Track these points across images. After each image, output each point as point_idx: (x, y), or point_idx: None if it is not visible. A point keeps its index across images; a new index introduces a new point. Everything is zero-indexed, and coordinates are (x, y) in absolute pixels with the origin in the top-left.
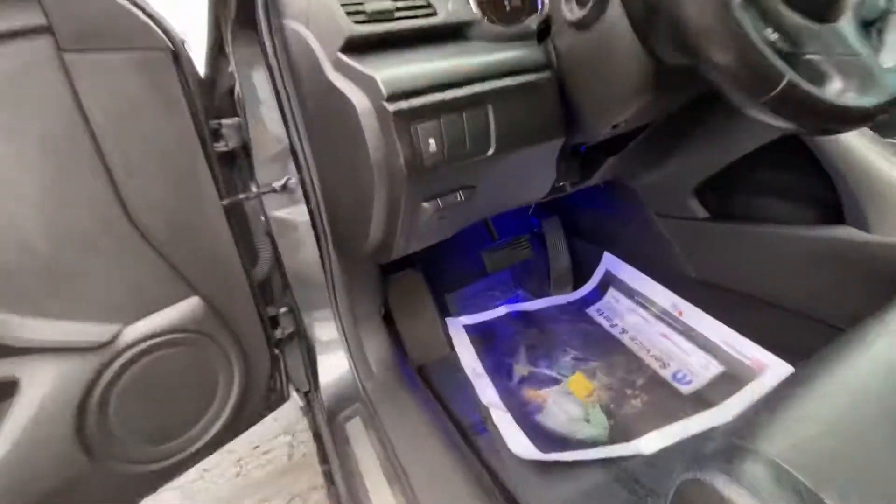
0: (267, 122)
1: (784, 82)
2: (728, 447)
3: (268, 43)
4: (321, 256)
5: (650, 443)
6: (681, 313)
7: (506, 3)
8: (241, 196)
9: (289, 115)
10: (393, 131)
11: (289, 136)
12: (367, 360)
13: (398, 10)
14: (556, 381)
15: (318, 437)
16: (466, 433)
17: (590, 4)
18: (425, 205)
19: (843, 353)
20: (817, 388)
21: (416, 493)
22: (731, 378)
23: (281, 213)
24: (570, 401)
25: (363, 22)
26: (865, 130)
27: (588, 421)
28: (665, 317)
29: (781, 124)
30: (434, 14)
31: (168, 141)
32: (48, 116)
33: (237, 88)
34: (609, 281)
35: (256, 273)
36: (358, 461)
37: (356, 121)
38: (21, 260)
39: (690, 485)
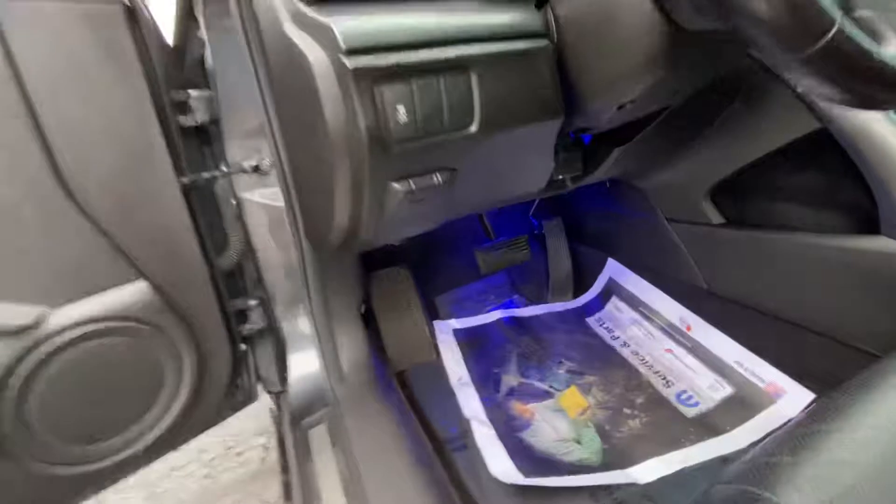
0: (240, 94)
1: (834, 30)
2: (740, 497)
3: (233, 2)
4: (295, 245)
5: (647, 471)
6: (689, 328)
7: None
8: (205, 175)
9: (260, 86)
10: (353, 93)
11: (262, 101)
12: (339, 360)
13: None
14: (547, 395)
15: (281, 442)
16: (443, 449)
17: None
18: (395, 185)
19: (880, 384)
20: (850, 425)
21: None
22: (743, 402)
23: (254, 197)
24: (561, 418)
25: None
26: None
27: (579, 442)
28: (671, 331)
29: (824, 90)
30: None
31: (117, 107)
32: None
33: (208, 57)
34: (612, 289)
35: (224, 261)
36: (317, 476)
37: (312, 80)
38: None
39: None
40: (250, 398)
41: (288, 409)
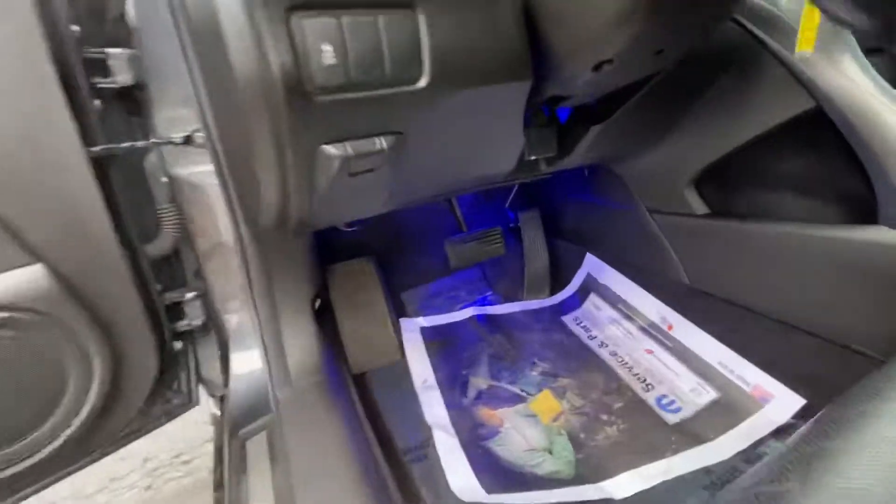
0: (170, 55)
1: None
2: None
3: None
4: (232, 227)
5: (624, 485)
6: (671, 327)
7: None
8: (123, 145)
9: (180, 37)
10: (261, 25)
11: (186, 67)
12: (285, 362)
13: None
14: (518, 399)
15: (219, 453)
16: (399, 461)
17: None
18: (328, 149)
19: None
20: (865, 441)
21: None
22: (728, 408)
23: (186, 174)
24: (532, 424)
25: None
26: None
27: (551, 452)
28: (652, 330)
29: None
30: None
31: (5, 65)
32: None
33: (130, 10)
34: (590, 286)
35: (154, 248)
36: (249, 494)
37: (213, 11)
38: None
39: None
40: (189, 402)
41: (227, 415)
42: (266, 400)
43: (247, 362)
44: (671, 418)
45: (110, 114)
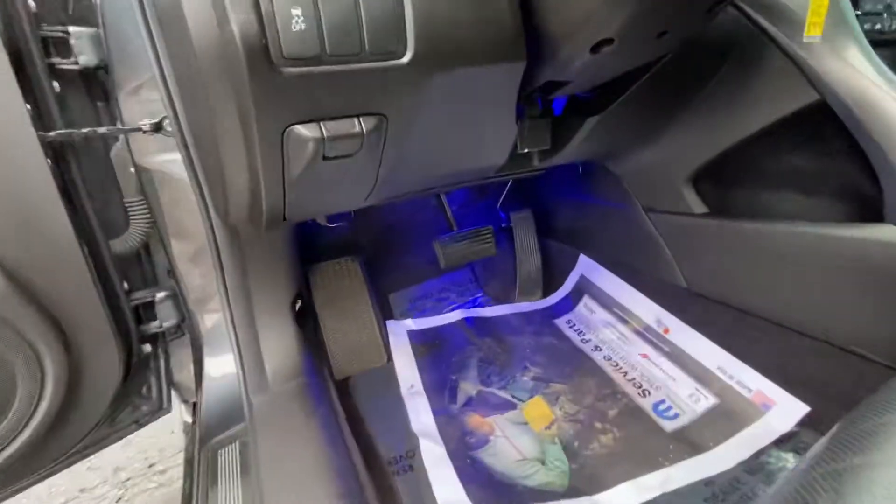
0: (133, 33)
1: None
2: None
3: None
4: (203, 220)
5: (620, 498)
6: (667, 331)
7: None
8: (83, 131)
9: (146, 19)
10: None
11: (150, 48)
12: (262, 366)
13: None
14: (509, 406)
15: (189, 465)
16: (384, 473)
17: None
18: (299, 129)
19: None
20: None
21: None
22: (727, 414)
23: (156, 163)
24: (524, 432)
25: None
26: None
27: (543, 462)
28: (647, 334)
29: None
30: None
31: None
32: None
33: None
34: (584, 288)
35: (120, 244)
36: None
37: None
38: None
39: None
40: (160, 409)
41: (199, 423)
42: (240, 407)
43: (221, 367)
44: (668, 425)
45: (71, 97)
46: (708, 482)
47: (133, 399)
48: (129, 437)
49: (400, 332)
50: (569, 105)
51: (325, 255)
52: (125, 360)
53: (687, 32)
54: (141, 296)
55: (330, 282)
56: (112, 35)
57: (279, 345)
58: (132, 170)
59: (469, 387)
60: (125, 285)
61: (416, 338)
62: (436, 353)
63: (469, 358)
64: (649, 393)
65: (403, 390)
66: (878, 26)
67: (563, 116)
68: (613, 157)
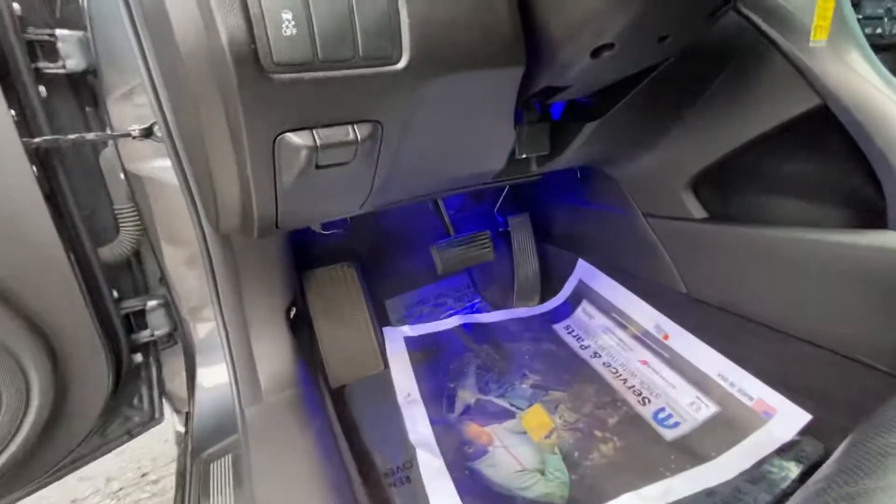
0: (122, 37)
1: None
2: None
3: None
4: (194, 229)
5: None
6: (667, 337)
7: None
8: (70, 136)
9: (134, 24)
10: None
11: (138, 52)
12: (255, 376)
13: None
14: (508, 415)
15: (181, 477)
16: (380, 485)
17: None
18: (291, 137)
19: None
20: None
21: None
22: (729, 423)
23: (146, 170)
24: (523, 442)
25: None
26: None
27: (543, 473)
28: (647, 340)
29: None
30: None
31: None
32: None
33: None
34: (582, 293)
35: (110, 252)
36: None
37: None
38: None
39: None
40: (152, 419)
41: (191, 435)
42: (233, 418)
43: (213, 376)
44: (669, 434)
45: (59, 103)
46: (710, 492)
47: (124, 410)
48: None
49: (396, 338)
50: (567, 110)
51: (320, 260)
52: (115, 370)
53: (689, 37)
54: (131, 304)
55: (325, 288)
56: (100, 38)
57: (273, 354)
58: (122, 176)
59: (467, 395)
60: (115, 294)
61: (413, 344)
62: (433, 360)
63: (467, 365)
64: (649, 401)
65: (400, 399)
66: (878, 30)
67: (562, 121)
68: (612, 162)
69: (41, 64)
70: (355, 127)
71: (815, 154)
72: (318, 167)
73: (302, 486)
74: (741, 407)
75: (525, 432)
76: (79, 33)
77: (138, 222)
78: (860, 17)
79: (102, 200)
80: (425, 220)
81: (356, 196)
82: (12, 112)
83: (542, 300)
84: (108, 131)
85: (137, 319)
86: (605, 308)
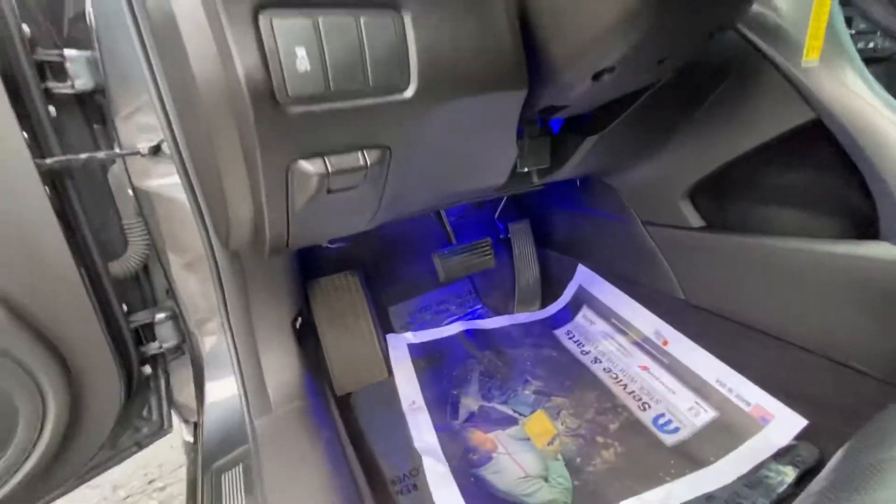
0: (130, 56)
1: None
2: None
3: None
4: (203, 244)
5: None
6: (666, 342)
7: None
8: (81, 156)
9: (139, 35)
10: (224, 23)
11: (148, 74)
12: (264, 387)
13: None
14: (511, 421)
15: (192, 487)
16: (387, 492)
17: None
18: (304, 164)
19: None
20: None
21: None
22: (727, 428)
23: (154, 186)
24: (527, 449)
25: None
26: None
27: (546, 480)
28: (646, 345)
29: None
30: None
31: None
32: None
33: (88, 10)
34: (582, 299)
35: (118, 267)
36: None
37: (170, 9)
38: None
39: None
40: (160, 430)
41: (201, 446)
42: (242, 429)
43: (222, 388)
44: (669, 439)
45: (68, 122)
46: (709, 497)
47: (134, 421)
48: None
49: (400, 345)
50: (567, 124)
51: (324, 269)
52: (126, 383)
53: (687, 58)
54: (140, 317)
55: (329, 297)
56: (108, 58)
57: (281, 365)
58: (130, 192)
59: (470, 402)
60: (124, 307)
61: (417, 351)
62: (436, 366)
63: (470, 372)
64: (649, 406)
65: (405, 406)
66: (871, 45)
67: (562, 135)
68: (611, 172)
69: (50, 84)
70: (365, 153)
71: (809, 166)
72: (329, 192)
73: (313, 496)
74: (739, 412)
75: (528, 438)
76: (86, 53)
77: (146, 237)
78: (853, 31)
79: (111, 216)
80: (427, 227)
81: (364, 215)
82: (24, 134)
83: (543, 305)
84: (117, 148)
85: (146, 332)
86: (606, 314)
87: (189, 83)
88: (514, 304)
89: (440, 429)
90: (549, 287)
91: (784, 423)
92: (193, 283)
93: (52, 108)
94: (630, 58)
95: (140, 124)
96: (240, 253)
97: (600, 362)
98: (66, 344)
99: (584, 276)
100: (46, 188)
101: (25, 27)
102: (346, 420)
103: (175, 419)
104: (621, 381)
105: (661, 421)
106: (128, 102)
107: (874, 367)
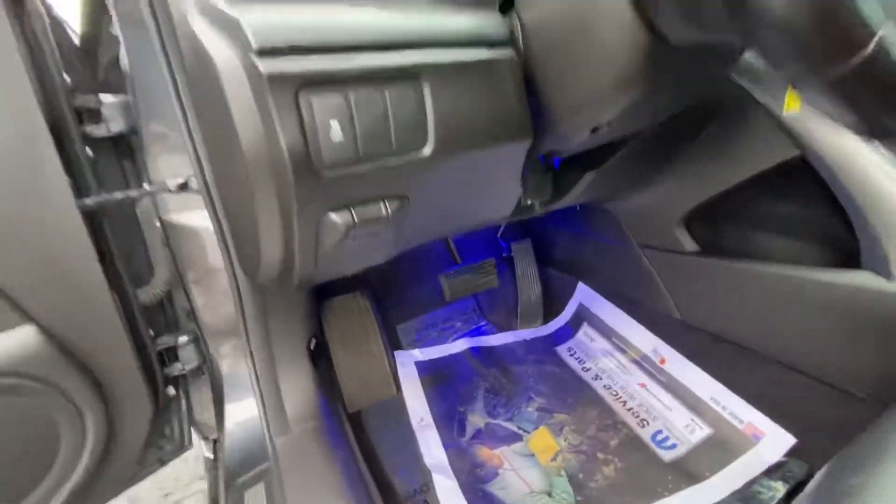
0: (160, 100)
1: (874, 43)
2: None
3: None
4: (227, 274)
5: None
6: (663, 361)
7: None
8: (117, 195)
9: (175, 88)
10: (270, 104)
11: (178, 110)
12: (283, 408)
13: None
14: (516, 438)
15: (214, 502)
16: None
17: None
18: (333, 217)
19: None
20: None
21: None
22: (721, 445)
23: (182, 220)
24: (531, 465)
25: None
26: (893, 158)
27: (550, 495)
28: (644, 363)
29: (845, 113)
30: None
31: None
32: None
33: (123, 57)
34: (583, 316)
35: (144, 294)
36: None
37: (220, 87)
38: None
39: None
40: (181, 448)
41: (223, 464)
42: (263, 448)
43: (241, 408)
44: (666, 456)
45: (102, 161)
46: None
47: (157, 440)
48: None
49: (408, 362)
50: (567, 159)
51: (334, 290)
52: (154, 404)
53: (679, 108)
54: (165, 341)
55: (341, 319)
56: (141, 100)
57: (298, 386)
58: (157, 223)
59: (477, 419)
60: (151, 332)
61: (424, 369)
62: (443, 383)
63: (476, 389)
64: (648, 423)
65: (414, 423)
66: None
67: (563, 170)
68: (610, 199)
69: (87, 128)
70: (386, 202)
71: (796, 197)
72: (354, 238)
73: None
74: (732, 430)
75: (532, 454)
76: (122, 98)
77: (172, 265)
78: None
79: (138, 245)
80: (433, 248)
81: (383, 252)
82: (68, 177)
83: (545, 321)
84: (146, 184)
85: (169, 354)
86: (605, 332)
87: (232, 146)
88: (517, 321)
89: (448, 445)
90: (551, 304)
91: (775, 441)
92: (216, 310)
93: (88, 150)
94: (625, 115)
95: (168, 162)
96: (264, 286)
97: (601, 379)
98: (101, 370)
99: (584, 294)
100: (86, 226)
101: (66, 76)
102: (358, 437)
103: (195, 436)
104: (621, 397)
105: (660, 437)
106: (157, 142)
107: (859, 387)
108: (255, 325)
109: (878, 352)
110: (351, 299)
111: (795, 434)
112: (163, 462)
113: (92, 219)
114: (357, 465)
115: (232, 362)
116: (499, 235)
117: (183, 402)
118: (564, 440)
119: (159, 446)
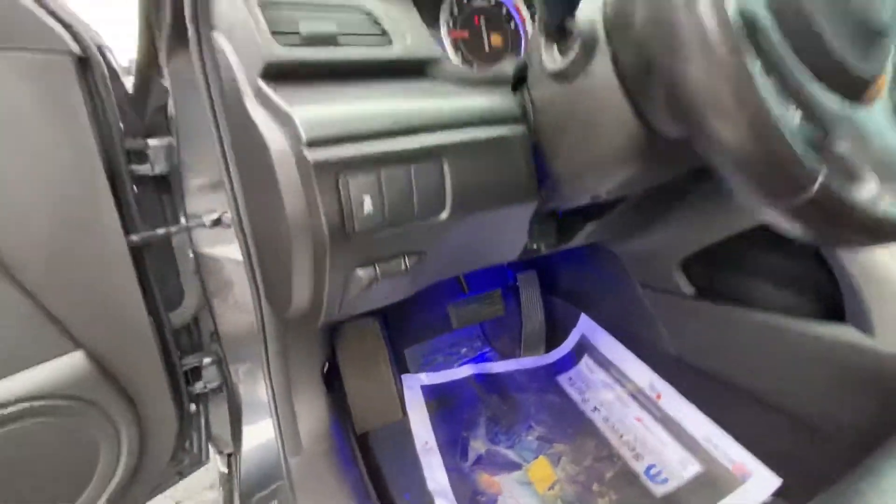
0: (201, 145)
1: (817, 185)
2: None
3: (196, 56)
4: (255, 307)
5: None
6: (659, 396)
7: (485, 42)
8: (159, 232)
9: (220, 141)
10: (314, 185)
11: (222, 164)
12: (297, 430)
13: (343, 35)
14: (515, 466)
15: None
16: None
17: (573, 53)
18: (359, 272)
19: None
20: None
21: None
22: (711, 483)
23: (212, 251)
24: (529, 493)
25: (295, 45)
26: None
27: None
28: (641, 398)
29: (797, 233)
30: (389, 44)
31: (59, 159)
32: None
33: (170, 105)
34: (584, 347)
35: (175, 318)
36: None
37: (271, 168)
38: None
39: None
40: (200, 462)
41: (238, 482)
42: (276, 468)
43: (258, 428)
44: (659, 490)
45: (145, 198)
46: None
47: (178, 454)
48: None
49: (414, 386)
50: (571, 209)
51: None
52: (179, 421)
53: (678, 173)
54: (190, 361)
55: (352, 343)
56: (183, 144)
57: (312, 409)
58: (190, 254)
59: (479, 444)
60: (178, 353)
61: (429, 393)
62: (447, 408)
63: (478, 415)
64: (642, 457)
65: (418, 446)
66: None
67: (566, 218)
68: (612, 242)
69: (134, 167)
70: (406, 258)
71: (786, 250)
72: (376, 288)
73: None
74: (722, 468)
75: (531, 483)
76: (166, 141)
77: (201, 292)
78: None
79: (172, 273)
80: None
81: (400, 295)
82: (119, 215)
83: (548, 349)
84: (183, 220)
85: (192, 373)
86: (605, 364)
87: (273, 208)
88: (521, 349)
89: (451, 470)
90: (554, 332)
91: (762, 481)
92: (239, 335)
93: (135, 188)
94: (623, 186)
95: (204, 199)
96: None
97: (599, 411)
98: (136, 389)
99: (586, 326)
100: (133, 261)
101: (120, 123)
102: (365, 458)
103: (211, 450)
104: (618, 430)
105: (653, 471)
106: (196, 181)
107: (842, 434)
108: (275, 353)
109: (857, 402)
110: (363, 325)
111: (782, 475)
112: (182, 475)
113: (136, 253)
114: (366, 489)
115: (251, 387)
116: (506, 265)
117: (203, 418)
118: (562, 470)
119: (180, 460)
